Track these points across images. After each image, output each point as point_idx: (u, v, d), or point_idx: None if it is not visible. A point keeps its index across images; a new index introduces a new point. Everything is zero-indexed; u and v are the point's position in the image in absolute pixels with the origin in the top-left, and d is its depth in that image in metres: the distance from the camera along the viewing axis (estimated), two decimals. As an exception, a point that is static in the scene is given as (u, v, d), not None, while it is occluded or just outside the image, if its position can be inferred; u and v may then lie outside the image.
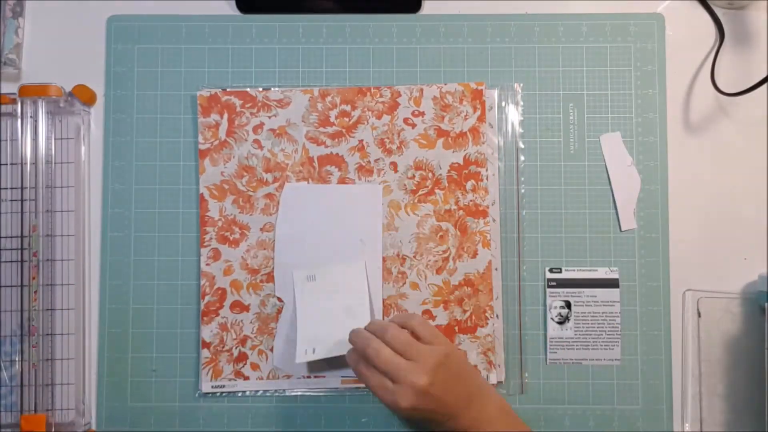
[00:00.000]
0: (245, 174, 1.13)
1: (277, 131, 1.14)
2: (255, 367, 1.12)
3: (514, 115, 1.14)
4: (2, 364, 1.10)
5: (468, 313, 1.12)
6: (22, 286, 1.09)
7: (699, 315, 1.11)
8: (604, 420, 1.11)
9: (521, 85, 1.15)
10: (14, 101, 1.10)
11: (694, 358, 1.11)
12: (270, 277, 1.12)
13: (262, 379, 1.12)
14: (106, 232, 1.13)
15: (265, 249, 1.13)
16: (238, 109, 1.13)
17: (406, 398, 0.89)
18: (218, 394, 1.11)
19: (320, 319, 1.10)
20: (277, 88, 1.14)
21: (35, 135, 1.09)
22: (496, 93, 1.14)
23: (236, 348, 1.12)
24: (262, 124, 1.13)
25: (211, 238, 1.13)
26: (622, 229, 1.13)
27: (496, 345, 1.11)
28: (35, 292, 1.08)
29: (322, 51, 1.16)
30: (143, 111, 1.15)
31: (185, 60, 1.16)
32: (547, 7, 1.16)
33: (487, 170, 1.13)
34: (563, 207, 1.13)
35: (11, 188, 1.11)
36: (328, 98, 1.14)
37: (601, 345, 1.11)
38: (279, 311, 1.12)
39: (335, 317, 1.09)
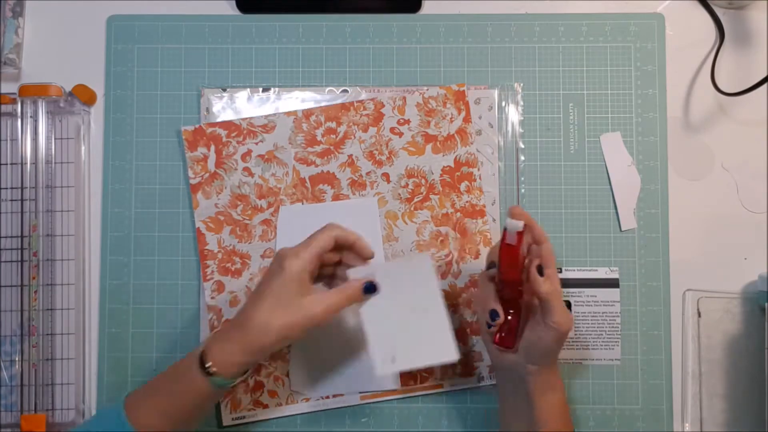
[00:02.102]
0: (239, 203, 1.13)
1: (266, 156, 1.13)
2: (273, 394, 1.11)
3: (514, 115, 1.14)
4: (2, 364, 1.10)
5: (477, 315, 1.11)
6: (22, 285, 1.09)
7: (699, 315, 1.11)
8: (604, 420, 1.11)
9: (521, 85, 1.15)
10: (14, 101, 1.10)
11: (694, 358, 1.11)
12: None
13: (281, 405, 1.11)
14: (106, 232, 1.13)
15: None
16: (224, 139, 1.13)
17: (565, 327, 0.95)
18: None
19: (390, 323, 1.00)
20: (261, 115, 1.13)
21: (35, 135, 1.10)
22: (496, 93, 1.14)
23: (251, 378, 1.11)
24: (250, 152, 1.13)
25: (212, 271, 1.12)
26: (622, 229, 1.13)
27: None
28: (35, 291, 1.08)
29: (322, 51, 1.16)
30: (143, 111, 1.15)
31: (185, 60, 1.16)
32: (547, 7, 1.16)
33: (478, 170, 1.13)
34: (563, 207, 1.13)
35: (11, 188, 1.11)
36: (312, 117, 1.13)
37: (601, 345, 1.11)
38: None
39: (406, 318, 1.00)
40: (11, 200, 1.11)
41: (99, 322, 1.12)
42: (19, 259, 1.09)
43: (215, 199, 1.13)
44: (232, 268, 1.12)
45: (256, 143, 1.13)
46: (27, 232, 1.09)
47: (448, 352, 0.98)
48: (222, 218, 1.13)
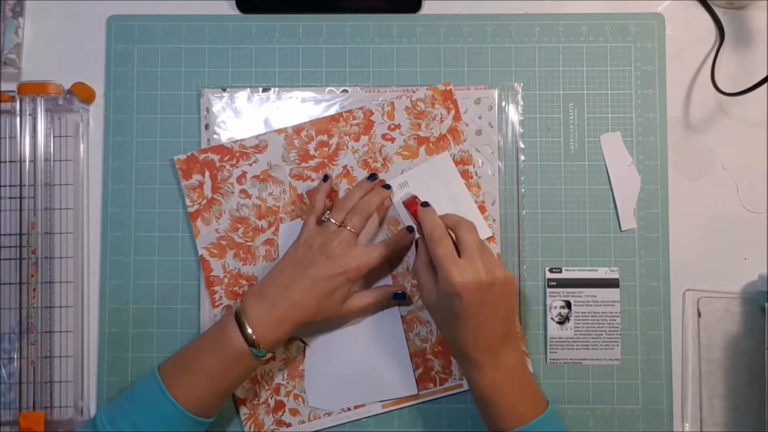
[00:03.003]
0: (239, 226, 1.13)
1: (261, 176, 1.13)
2: (294, 412, 1.11)
3: (514, 115, 1.14)
4: (1, 362, 1.10)
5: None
6: (20, 283, 1.09)
7: (699, 315, 1.11)
8: (604, 420, 1.11)
9: (521, 85, 1.15)
10: (13, 99, 1.10)
11: (694, 358, 1.11)
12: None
13: (304, 422, 1.11)
14: (106, 232, 1.13)
15: None
16: (218, 164, 1.13)
17: (469, 275, 0.96)
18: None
19: None
20: (252, 135, 1.14)
21: (34, 132, 1.10)
22: (496, 93, 1.14)
23: (271, 398, 1.11)
24: (244, 173, 1.13)
25: (221, 297, 1.12)
26: (622, 229, 1.13)
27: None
28: (34, 289, 1.08)
29: (322, 51, 1.16)
30: (143, 111, 1.15)
31: (185, 60, 1.16)
32: (547, 7, 1.16)
33: (474, 167, 1.13)
34: (563, 207, 1.13)
35: (10, 186, 1.11)
36: (303, 132, 1.13)
37: (601, 345, 1.11)
38: (304, 352, 1.12)
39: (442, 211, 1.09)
40: (10, 198, 1.11)
41: (99, 321, 1.12)
42: (18, 256, 1.09)
43: (215, 225, 1.12)
44: (240, 292, 1.12)
45: (250, 164, 1.13)
46: (26, 229, 1.09)
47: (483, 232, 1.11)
48: (224, 243, 1.12)
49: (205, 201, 1.13)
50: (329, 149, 1.13)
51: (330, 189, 1.11)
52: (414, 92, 1.14)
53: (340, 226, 1.05)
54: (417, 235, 1.08)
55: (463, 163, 1.13)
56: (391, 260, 1.12)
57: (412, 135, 1.13)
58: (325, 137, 1.13)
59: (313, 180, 1.13)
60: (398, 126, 1.14)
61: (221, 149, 1.13)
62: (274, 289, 1.02)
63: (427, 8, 1.16)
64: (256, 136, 1.13)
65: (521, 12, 1.16)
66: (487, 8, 1.16)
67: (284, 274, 1.03)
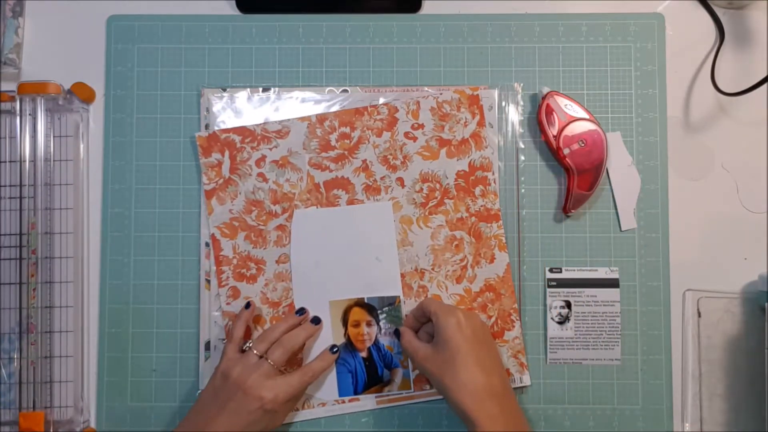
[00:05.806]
0: (253, 209, 1.13)
1: (280, 162, 1.13)
2: None
3: (514, 115, 1.14)
4: (1, 362, 1.10)
5: (494, 318, 1.12)
6: (20, 283, 1.09)
7: (699, 315, 1.11)
8: (604, 420, 1.11)
9: (521, 85, 1.15)
10: (13, 99, 1.10)
11: (694, 358, 1.11)
12: (292, 308, 1.12)
13: (297, 409, 1.11)
14: (106, 232, 1.13)
15: (283, 281, 1.12)
16: (238, 145, 1.13)
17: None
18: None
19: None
20: (274, 120, 1.13)
21: (34, 132, 1.10)
22: (496, 93, 1.14)
23: None
24: (264, 157, 1.13)
25: (228, 277, 1.12)
26: (622, 229, 1.13)
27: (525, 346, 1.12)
28: (34, 289, 1.08)
29: (322, 51, 1.16)
30: (143, 111, 1.15)
31: (185, 60, 1.16)
32: (547, 7, 1.16)
33: (493, 174, 1.13)
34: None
35: (10, 186, 1.11)
36: (326, 122, 1.13)
37: (601, 345, 1.11)
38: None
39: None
40: (10, 198, 1.11)
41: (99, 321, 1.12)
42: (18, 256, 1.09)
43: (229, 205, 1.12)
44: (248, 274, 1.12)
45: (270, 149, 1.13)
46: (26, 229, 1.09)
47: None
48: (237, 224, 1.12)
49: (222, 180, 1.13)
50: (351, 141, 1.13)
51: (251, 317, 1.11)
52: (441, 93, 1.14)
53: (261, 357, 1.03)
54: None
55: (482, 169, 1.13)
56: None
57: (435, 136, 1.13)
58: (347, 129, 1.13)
59: (331, 170, 1.13)
60: (422, 126, 1.13)
61: (243, 131, 1.13)
62: (197, 426, 1.01)
63: (427, 8, 1.16)
64: (279, 122, 1.13)
65: (521, 12, 1.16)
66: (487, 8, 1.16)
67: (204, 410, 1.02)
